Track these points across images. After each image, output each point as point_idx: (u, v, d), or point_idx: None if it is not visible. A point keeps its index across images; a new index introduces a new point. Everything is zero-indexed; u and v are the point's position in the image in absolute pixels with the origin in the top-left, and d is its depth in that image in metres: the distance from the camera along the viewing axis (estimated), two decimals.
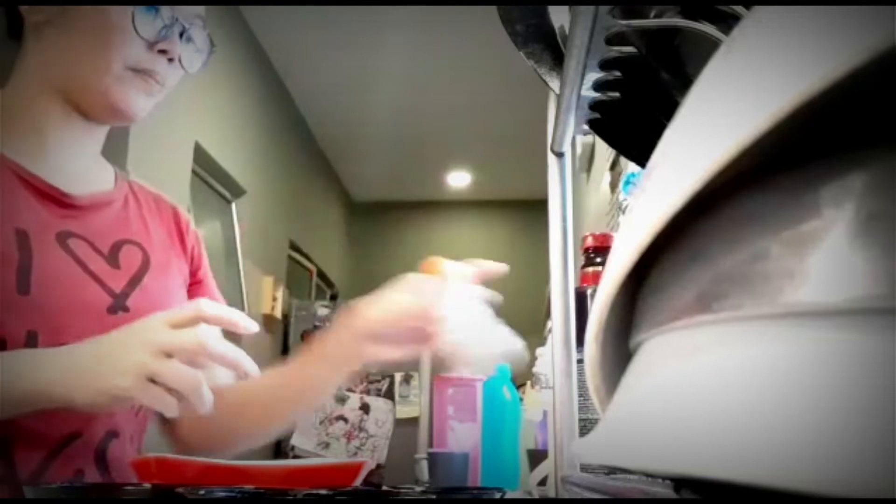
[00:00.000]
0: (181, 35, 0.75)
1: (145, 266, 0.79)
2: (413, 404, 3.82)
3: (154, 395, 0.57)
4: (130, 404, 0.61)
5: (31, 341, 0.66)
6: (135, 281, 0.77)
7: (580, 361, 0.63)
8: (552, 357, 0.63)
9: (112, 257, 0.77)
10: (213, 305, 0.62)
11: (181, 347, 0.59)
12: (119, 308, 0.74)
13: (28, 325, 0.67)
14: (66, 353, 0.61)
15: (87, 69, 0.73)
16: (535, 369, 1.31)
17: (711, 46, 0.42)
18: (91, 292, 0.73)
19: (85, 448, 0.71)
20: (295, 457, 3.77)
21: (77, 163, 0.78)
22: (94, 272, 0.74)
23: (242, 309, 3.58)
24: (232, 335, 0.65)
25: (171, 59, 0.75)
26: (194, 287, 0.89)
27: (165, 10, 0.73)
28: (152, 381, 0.57)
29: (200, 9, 0.78)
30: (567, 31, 0.49)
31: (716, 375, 0.18)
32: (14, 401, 0.59)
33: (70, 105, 0.75)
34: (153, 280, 0.79)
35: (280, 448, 3.79)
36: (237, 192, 3.63)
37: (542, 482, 0.98)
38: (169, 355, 0.58)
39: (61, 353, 0.61)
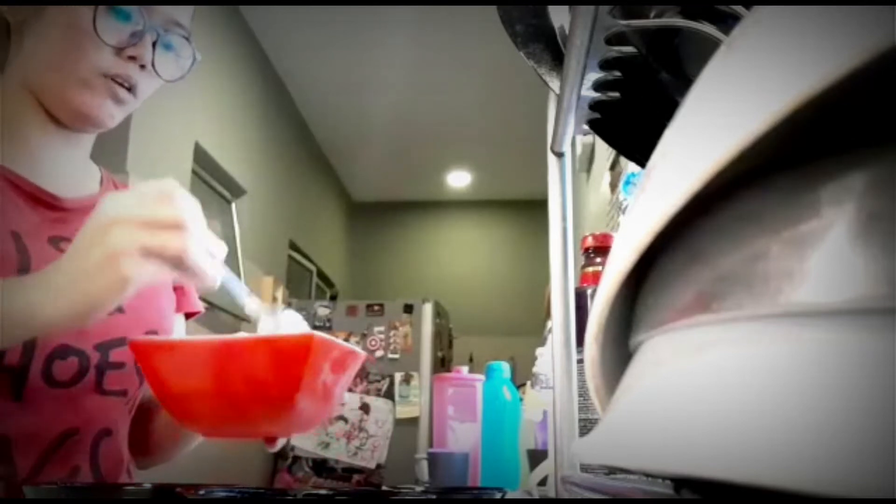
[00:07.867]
0: (155, 42, 0.73)
1: None
2: (413, 404, 3.82)
3: (153, 270, 0.53)
4: (115, 304, 0.54)
5: (28, 342, 0.66)
6: None
7: (580, 361, 0.63)
8: (552, 357, 0.63)
9: None
10: (199, 225, 0.58)
11: (162, 245, 0.53)
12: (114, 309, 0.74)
13: None
14: (43, 271, 0.56)
15: (54, 73, 0.71)
16: (535, 369, 1.31)
17: (711, 46, 0.42)
18: None
19: (81, 445, 0.71)
20: (295, 457, 3.78)
21: (62, 167, 0.77)
22: None
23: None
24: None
25: (142, 66, 0.72)
26: (176, 292, 0.86)
27: (137, 16, 0.71)
28: (147, 256, 0.53)
29: (180, 16, 0.76)
30: (567, 31, 0.49)
31: (716, 375, 0.18)
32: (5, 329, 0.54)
33: (44, 110, 0.74)
34: None
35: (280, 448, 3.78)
36: (237, 192, 3.63)
37: (542, 482, 0.98)
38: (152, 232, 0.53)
39: (40, 273, 0.57)
